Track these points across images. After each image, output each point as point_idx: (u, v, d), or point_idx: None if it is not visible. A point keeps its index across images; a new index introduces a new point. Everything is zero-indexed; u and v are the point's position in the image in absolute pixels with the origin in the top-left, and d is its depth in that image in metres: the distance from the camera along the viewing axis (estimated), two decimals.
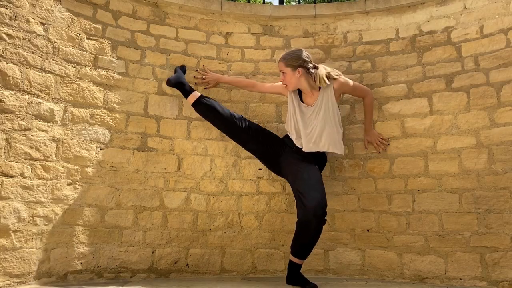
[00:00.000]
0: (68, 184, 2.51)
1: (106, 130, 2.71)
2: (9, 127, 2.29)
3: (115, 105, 2.76)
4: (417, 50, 2.95)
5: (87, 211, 2.58)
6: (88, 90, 2.66)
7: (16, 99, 2.33)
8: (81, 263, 2.52)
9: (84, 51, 2.67)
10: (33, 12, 2.47)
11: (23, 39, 2.40)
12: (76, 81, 2.62)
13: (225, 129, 2.84)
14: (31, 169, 2.36)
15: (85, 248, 2.55)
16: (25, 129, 2.36)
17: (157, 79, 2.94)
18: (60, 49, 2.56)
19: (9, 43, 2.33)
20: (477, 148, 2.64)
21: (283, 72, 2.74)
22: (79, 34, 2.67)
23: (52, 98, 2.50)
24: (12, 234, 2.25)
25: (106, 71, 2.75)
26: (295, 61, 2.69)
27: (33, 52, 2.43)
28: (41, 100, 2.44)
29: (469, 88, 2.73)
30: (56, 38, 2.55)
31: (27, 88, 2.38)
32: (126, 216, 2.72)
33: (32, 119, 2.39)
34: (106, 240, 2.63)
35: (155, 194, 2.82)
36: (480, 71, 2.71)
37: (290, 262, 2.55)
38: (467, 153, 2.67)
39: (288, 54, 2.74)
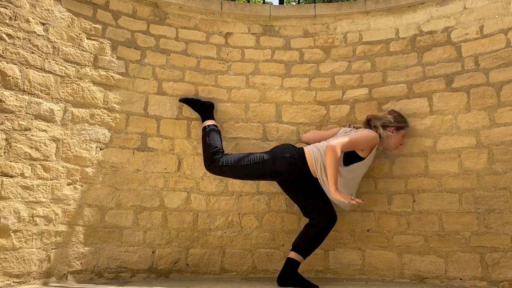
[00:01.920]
0: (68, 184, 2.52)
1: (106, 130, 2.71)
2: (9, 127, 2.29)
3: (115, 105, 2.76)
4: (417, 50, 2.95)
5: (87, 211, 2.58)
6: (88, 90, 2.66)
7: (16, 99, 2.33)
8: (81, 263, 2.52)
9: (84, 51, 2.67)
10: (33, 12, 2.47)
11: (23, 39, 2.40)
12: (76, 81, 2.62)
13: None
14: (31, 169, 2.36)
15: (85, 248, 2.55)
16: (25, 129, 2.36)
17: (157, 79, 2.94)
18: (60, 49, 2.56)
19: (9, 43, 2.33)
20: (477, 148, 2.64)
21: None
22: (79, 34, 2.67)
23: (52, 98, 2.50)
24: (12, 234, 2.25)
25: (106, 71, 2.75)
26: None
27: (33, 52, 2.43)
28: (41, 100, 2.44)
29: (469, 88, 2.73)
30: (56, 38, 2.56)
31: (27, 88, 2.38)
32: (126, 216, 2.72)
33: (32, 119, 2.39)
34: (106, 240, 2.63)
35: (155, 194, 2.82)
36: (480, 71, 2.71)
37: (291, 260, 2.54)
38: (467, 153, 2.67)
39: None
